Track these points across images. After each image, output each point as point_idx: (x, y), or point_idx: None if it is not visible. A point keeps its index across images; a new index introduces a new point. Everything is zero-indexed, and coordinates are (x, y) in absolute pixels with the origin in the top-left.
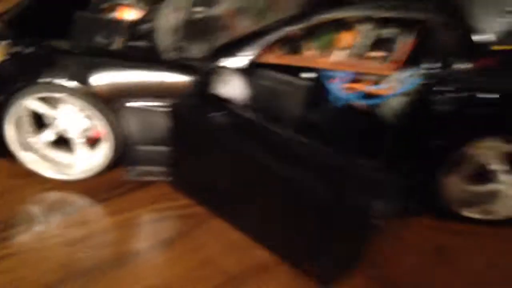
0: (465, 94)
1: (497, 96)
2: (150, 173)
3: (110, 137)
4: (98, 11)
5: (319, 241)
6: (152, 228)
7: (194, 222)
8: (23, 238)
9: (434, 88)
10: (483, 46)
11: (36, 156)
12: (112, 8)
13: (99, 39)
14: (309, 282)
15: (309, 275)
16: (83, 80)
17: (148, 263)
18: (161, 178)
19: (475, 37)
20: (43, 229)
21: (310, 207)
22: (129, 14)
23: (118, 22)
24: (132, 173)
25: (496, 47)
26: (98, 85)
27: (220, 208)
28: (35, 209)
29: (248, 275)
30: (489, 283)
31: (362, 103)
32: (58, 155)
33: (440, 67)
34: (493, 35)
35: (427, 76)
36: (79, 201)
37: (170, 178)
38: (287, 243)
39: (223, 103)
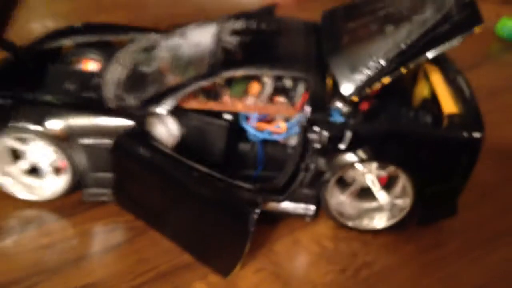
0: (333, 132)
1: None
2: (100, 195)
3: (69, 167)
4: (67, 62)
5: (216, 244)
6: (102, 237)
7: (136, 233)
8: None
9: (311, 128)
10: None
11: (12, 181)
12: (79, 60)
13: (68, 87)
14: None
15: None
16: (42, 124)
17: (99, 262)
18: (109, 198)
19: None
20: (17, 238)
21: (207, 217)
22: (92, 66)
23: (82, 73)
24: (86, 195)
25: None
26: (54, 128)
27: (152, 222)
28: (11, 223)
29: (175, 272)
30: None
31: (269, 138)
32: (30, 180)
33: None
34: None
35: (306, 119)
36: (48, 216)
37: (114, 198)
38: (196, 247)
39: (152, 141)
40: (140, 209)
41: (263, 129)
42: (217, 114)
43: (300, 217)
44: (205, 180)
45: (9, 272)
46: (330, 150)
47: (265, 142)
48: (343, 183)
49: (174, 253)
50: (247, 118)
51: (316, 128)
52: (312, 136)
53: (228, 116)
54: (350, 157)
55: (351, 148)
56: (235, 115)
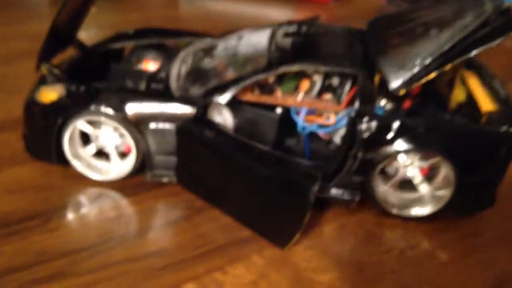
0: (380, 122)
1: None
2: (163, 176)
3: (134, 150)
4: (128, 63)
5: (275, 217)
6: (163, 213)
7: (194, 211)
8: (70, 217)
9: (360, 119)
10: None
11: (82, 163)
12: (139, 61)
13: (128, 84)
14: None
15: (271, 242)
16: (117, 108)
17: (160, 235)
18: (170, 179)
19: (390, 84)
20: (87, 211)
21: (268, 192)
22: (152, 66)
23: (142, 72)
24: (149, 176)
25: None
26: (128, 112)
27: (212, 199)
28: (82, 199)
29: (232, 246)
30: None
31: (317, 130)
32: (99, 163)
33: (366, 107)
34: (401, 82)
35: (355, 112)
36: (113, 194)
37: (176, 179)
38: (255, 220)
39: (214, 125)
40: (201, 188)
41: (312, 122)
42: (269, 108)
43: (346, 203)
44: (266, 157)
45: (78, 240)
46: (377, 139)
47: (310, 137)
48: (385, 175)
49: (231, 229)
50: (297, 113)
51: (365, 119)
52: (360, 126)
53: (279, 110)
54: (396, 146)
55: (397, 137)
56: (286, 110)
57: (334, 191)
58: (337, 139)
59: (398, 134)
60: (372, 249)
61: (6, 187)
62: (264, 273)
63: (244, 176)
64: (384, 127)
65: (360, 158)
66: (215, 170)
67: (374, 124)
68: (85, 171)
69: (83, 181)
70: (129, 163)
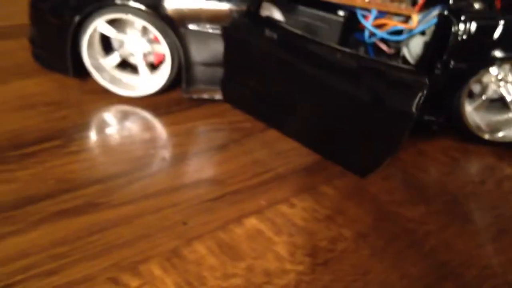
0: (479, 23)
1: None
2: (205, 91)
3: (170, 59)
4: None
5: (359, 139)
6: (206, 136)
7: (244, 133)
8: (95, 138)
9: (453, 20)
10: None
11: (105, 76)
12: None
13: None
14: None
15: (348, 169)
16: (152, 3)
17: (205, 161)
18: (214, 96)
19: None
20: (112, 132)
21: (351, 110)
22: None
23: None
24: (188, 91)
25: None
26: (165, 8)
27: (271, 119)
28: (104, 118)
29: (295, 175)
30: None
31: (388, 38)
32: (124, 75)
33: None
34: None
35: (448, 11)
36: (143, 113)
37: (222, 95)
38: (329, 144)
39: (269, 21)
40: (255, 105)
41: (383, 27)
42: (330, 10)
43: (426, 125)
44: (352, 61)
45: (108, 166)
46: (474, 44)
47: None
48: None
49: (290, 156)
50: (365, 17)
51: (462, 17)
52: (455, 27)
53: (341, 13)
54: (495, 52)
55: (497, 42)
56: (350, 14)
57: None
58: (406, 52)
59: (498, 37)
60: (463, 180)
61: (13, 104)
62: (340, 206)
63: (318, 88)
64: (484, 27)
65: (451, 68)
66: (276, 81)
67: (474, 23)
68: (109, 86)
69: (106, 98)
70: (162, 76)
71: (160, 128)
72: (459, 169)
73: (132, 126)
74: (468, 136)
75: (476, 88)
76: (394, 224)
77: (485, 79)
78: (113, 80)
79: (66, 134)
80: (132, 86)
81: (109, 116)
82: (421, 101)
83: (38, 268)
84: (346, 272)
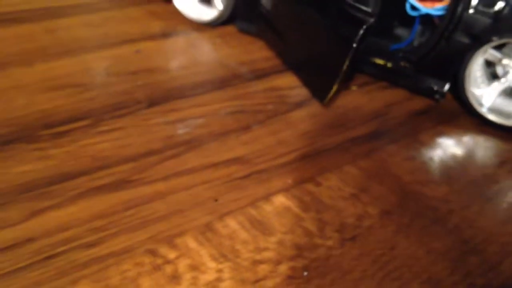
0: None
1: None
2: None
3: None
4: None
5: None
6: (231, 118)
7: (267, 115)
8: (123, 118)
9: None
10: None
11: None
12: None
13: None
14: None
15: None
16: None
17: (231, 141)
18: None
19: None
20: (139, 113)
21: (318, 37)
22: None
23: None
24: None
25: None
26: None
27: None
28: (131, 99)
29: (320, 154)
30: None
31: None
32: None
33: None
34: None
35: None
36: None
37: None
38: (303, 69)
39: None
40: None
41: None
42: None
43: (430, 95)
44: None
45: (140, 144)
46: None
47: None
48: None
49: (313, 137)
50: None
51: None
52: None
53: None
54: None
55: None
56: None
57: (419, 78)
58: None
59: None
60: (483, 161)
61: (40, 85)
62: (365, 186)
63: (302, 19)
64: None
65: (456, 40)
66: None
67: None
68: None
69: (129, 81)
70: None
71: (186, 110)
72: (479, 151)
73: (159, 108)
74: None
75: (499, 71)
76: (417, 202)
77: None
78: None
79: (95, 115)
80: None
81: (136, 97)
82: (364, 36)
83: (79, 240)
84: (374, 247)
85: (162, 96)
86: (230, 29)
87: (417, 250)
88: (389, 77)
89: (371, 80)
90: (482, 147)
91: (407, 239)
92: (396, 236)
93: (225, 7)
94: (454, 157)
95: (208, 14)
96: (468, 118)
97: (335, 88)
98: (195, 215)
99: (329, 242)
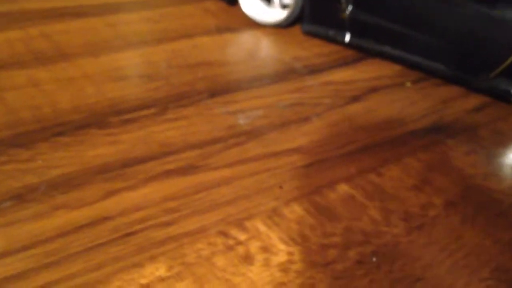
0: None
1: None
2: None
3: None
4: None
5: None
6: (290, 110)
7: (325, 108)
8: (188, 107)
9: None
10: None
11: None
12: None
13: None
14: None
15: None
16: None
17: (291, 132)
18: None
19: None
20: (206, 104)
21: None
22: None
23: None
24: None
25: None
26: None
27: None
28: (193, 90)
29: (378, 147)
30: None
31: None
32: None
33: None
34: None
35: None
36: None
37: None
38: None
39: None
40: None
41: None
42: None
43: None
44: None
45: (204, 132)
46: None
47: None
48: None
49: (371, 131)
50: None
51: None
52: None
53: None
54: None
55: None
56: None
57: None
58: None
59: None
60: None
61: (107, 75)
62: (426, 177)
63: None
64: None
65: None
66: None
67: None
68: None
69: (192, 72)
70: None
71: (245, 101)
72: None
73: (220, 99)
74: None
75: None
76: (481, 194)
77: None
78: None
79: (161, 103)
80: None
81: (198, 88)
82: None
83: (154, 220)
84: (441, 236)
85: (222, 88)
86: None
87: (484, 240)
88: (462, 80)
89: (424, 77)
90: None
91: (473, 229)
92: (462, 226)
93: (293, 9)
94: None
95: (275, 16)
96: None
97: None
98: (261, 200)
99: (396, 230)
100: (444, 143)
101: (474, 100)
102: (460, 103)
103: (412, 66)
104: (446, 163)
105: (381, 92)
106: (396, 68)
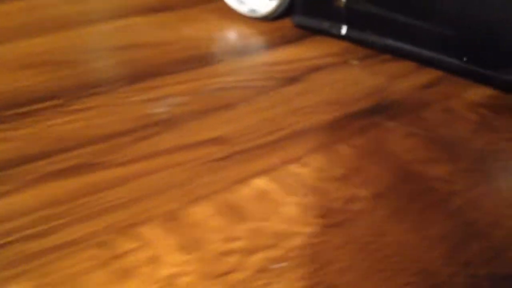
0: None
1: None
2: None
3: None
4: None
5: None
6: (213, 95)
7: (255, 92)
8: (97, 97)
9: None
10: None
11: None
12: None
13: None
14: None
15: None
16: None
17: (212, 120)
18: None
19: None
20: (116, 91)
21: None
22: None
23: None
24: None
25: None
26: None
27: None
28: (109, 76)
29: (309, 133)
30: None
31: None
32: None
33: None
34: None
35: None
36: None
37: None
38: None
39: None
40: None
41: None
42: None
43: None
44: None
45: (112, 124)
46: None
47: None
48: None
49: (305, 115)
50: None
51: None
52: None
53: None
54: None
55: None
56: None
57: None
58: None
59: None
60: (492, 137)
61: (14, 63)
62: (357, 166)
63: None
64: None
65: None
66: None
67: None
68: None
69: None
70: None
71: (169, 86)
72: (488, 126)
73: (140, 85)
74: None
75: None
76: (416, 183)
77: None
78: None
79: (68, 93)
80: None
81: (118, 73)
82: None
83: (27, 230)
84: (361, 234)
85: (144, 73)
86: (221, 4)
87: (411, 236)
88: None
89: (373, 53)
90: (491, 123)
91: (401, 224)
92: (388, 222)
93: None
94: (459, 133)
95: (264, 7)
96: (476, 93)
97: None
98: (162, 201)
99: (310, 229)
100: (383, 126)
101: (426, 76)
102: (409, 80)
103: (421, 61)
104: (382, 148)
105: (323, 71)
106: (343, 45)
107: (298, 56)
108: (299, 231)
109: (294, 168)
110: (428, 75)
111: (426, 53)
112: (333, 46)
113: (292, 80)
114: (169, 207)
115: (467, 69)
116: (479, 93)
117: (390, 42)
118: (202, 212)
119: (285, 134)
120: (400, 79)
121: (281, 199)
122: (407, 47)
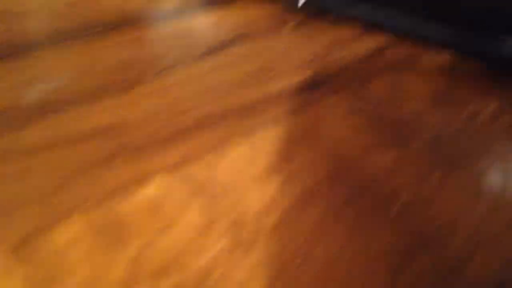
0: None
1: None
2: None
3: None
4: None
5: None
6: (107, 74)
7: (160, 69)
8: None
9: None
10: None
11: None
12: None
13: None
14: None
15: None
16: None
17: (101, 106)
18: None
19: None
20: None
21: None
22: None
23: None
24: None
25: None
26: None
27: None
28: None
29: (228, 118)
30: None
31: None
32: None
33: None
34: None
35: None
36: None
37: None
38: None
39: None
40: None
41: None
42: None
43: None
44: None
45: None
46: None
47: None
48: None
49: (223, 94)
50: None
51: None
52: None
53: None
54: None
55: None
56: None
57: None
58: None
59: None
60: (449, 115)
61: None
62: (285, 156)
63: None
64: None
65: None
66: None
67: None
68: None
69: None
70: None
71: (50, 63)
72: (446, 99)
73: (9, 64)
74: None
75: None
76: (355, 176)
77: None
78: None
79: None
80: None
81: None
82: None
83: None
84: (282, 248)
85: (16, 47)
86: None
87: (344, 248)
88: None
89: (312, 17)
90: (448, 98)
91: (332, 233)
92: (317, 230)
93: None
94: (409, 111)
95: None
96: (436, 57)
97: None
98: (15, 223)
99: (217, 246)
100: (320, 104)
101: (371, 42)
102: (352, 47)
103: (399, 32)
104: (317, 131)
105: (251, 40)
106: (279, 7)
107: (224, 22)
108: (200, 250)
109: (201, 165)
110: (374, 40)
111: (407, 22)
112: (267, 9)
113: (210, 51)
114: (23, 231)
115: (461, 40)
116: (436, 59)
117: (362, 10)
118: (68, 233)
119: (194, 122)
120: (342, 45)
121: (179, 209)
122: (382, 15)
